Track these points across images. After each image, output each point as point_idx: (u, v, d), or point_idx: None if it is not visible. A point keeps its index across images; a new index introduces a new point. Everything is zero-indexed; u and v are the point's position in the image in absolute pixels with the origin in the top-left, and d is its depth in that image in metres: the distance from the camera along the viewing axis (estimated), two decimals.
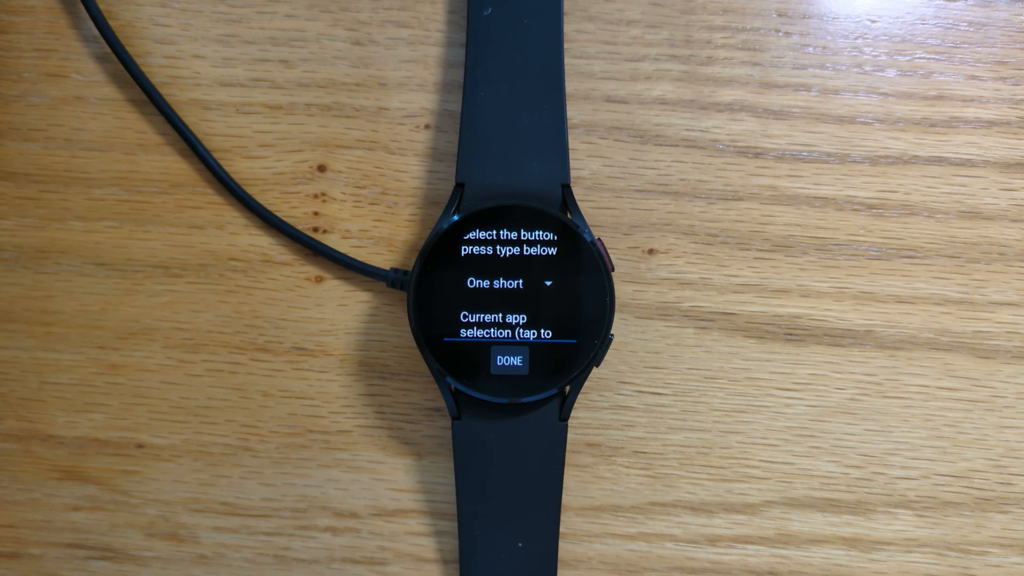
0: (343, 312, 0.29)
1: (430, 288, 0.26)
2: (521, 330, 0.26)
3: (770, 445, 0.29)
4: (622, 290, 0.29)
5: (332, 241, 0.29)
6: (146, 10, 0.29)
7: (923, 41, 0.29)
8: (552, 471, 0.27)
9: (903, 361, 0.29)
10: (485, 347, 0.26)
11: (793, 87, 0.29)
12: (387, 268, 0.29)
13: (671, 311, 0.29)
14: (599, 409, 0.29)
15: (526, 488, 0.28)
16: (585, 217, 0.27)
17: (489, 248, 0.26)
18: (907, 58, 0.29)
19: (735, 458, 0.29)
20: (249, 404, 0.29)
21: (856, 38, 0.29)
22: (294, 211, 0.29)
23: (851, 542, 0.29)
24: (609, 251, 0.28)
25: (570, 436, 0.29)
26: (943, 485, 0.29)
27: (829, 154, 0.29)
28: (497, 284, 0.26)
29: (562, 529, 0.29)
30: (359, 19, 0.29)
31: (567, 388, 0.27)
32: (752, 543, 0.29)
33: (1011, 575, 0.29)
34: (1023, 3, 0.29)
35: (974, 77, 0.29)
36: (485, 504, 0.28)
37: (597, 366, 0.26)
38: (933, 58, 0.29)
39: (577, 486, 0.29)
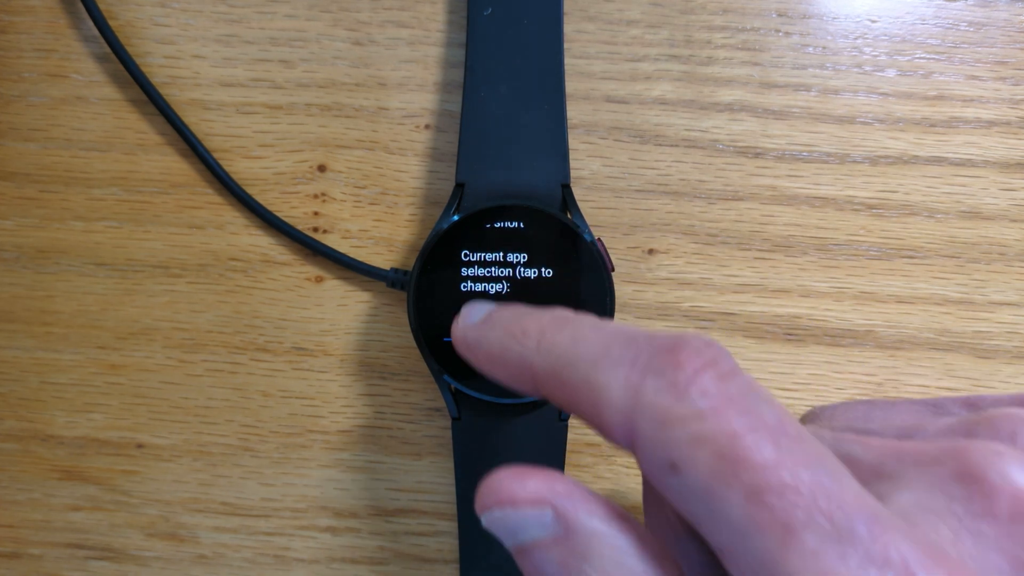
0: (343, 312, 0.29)
1: (430, 288, 0.26)
2: None
3: None
4: (622, 290, 0.29)
5: (332, 241, 0.29)
6: (146, 10, 0.29)
7: (923, 41, 0.29)
8: None
9: (903, 361, 0.29)
10: None
11: (793, 87, 0.29)
12: (387, 268, 0.29)
13: (671, 311, 0.29)
14: None
15: None
16: (585, 217, 0.27)
17: None
18: (907, 58, 0.29)
19: None
20: (249, 404, 0.29)
21: (856, 38, 0.29)
22: (294, 211, 0.29)
23: None
24: (609, 251, 0.28)
25: (570, 436, 0.29)
26: None
27: (829, 154, 0.29)
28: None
29: None
30: (359, 19, 0.29)
31: None
32: None
33: None
34: (1023, 3, 0.29)
35: (974, 77, 0.29)
36: None
37: None
38: (933, 58, 0.29)
39: None
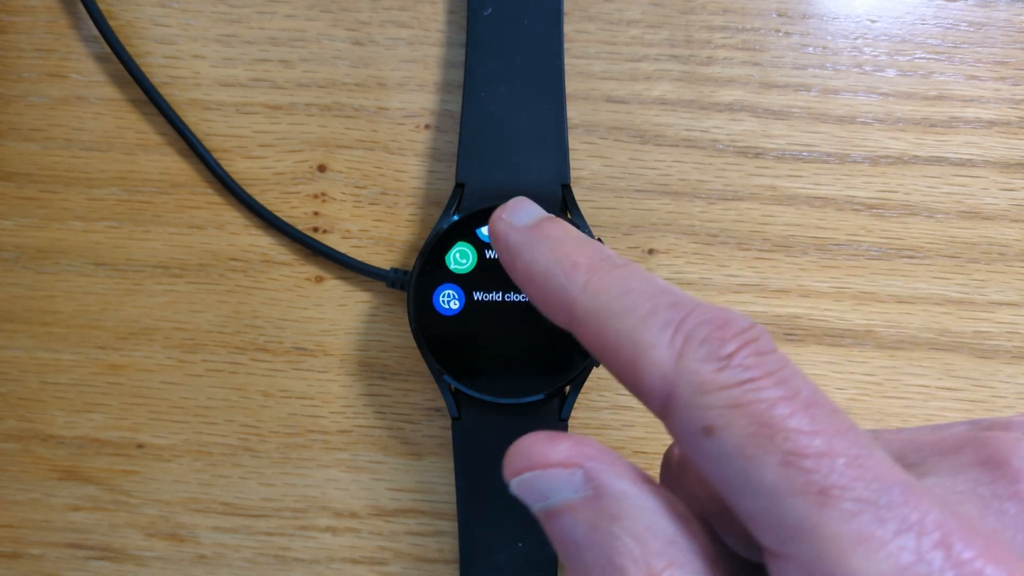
0: (343, 312, 0.29)
1: (430, 288, 0.26)
2: None
3: None
4: None
5: (332, 241, 0.29)
6: (146, 10, 0.29)
7: (923, 41, 0.29)
8: None
9: (903, 361, 0.29)
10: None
11: (793, 87, 0.29)
12: (387, 268, 0.29)
13: None
14: (599, 409, 0.29)
15: None
16: (585, 217, 0.27)
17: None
18: (907, 58, 0.29)
19: None
20: (249, 404, 0.29)
21: (856, 38, 0.29)
22: (294, 211, 0.29)
23: None
24: None
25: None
26: None
27: (829, 154, 0.29)
28: None
29: None
30: (359, 19, 0.29)
31: (567, 388, 0.27)
32: None
33: None
34: (1023, 3, 0.29)
35: (974, 77, 0.29)
36: (485, 504, 0.28)
37: (597, 366, 0.26)
38: (933, 58, 0.29)
39: None
